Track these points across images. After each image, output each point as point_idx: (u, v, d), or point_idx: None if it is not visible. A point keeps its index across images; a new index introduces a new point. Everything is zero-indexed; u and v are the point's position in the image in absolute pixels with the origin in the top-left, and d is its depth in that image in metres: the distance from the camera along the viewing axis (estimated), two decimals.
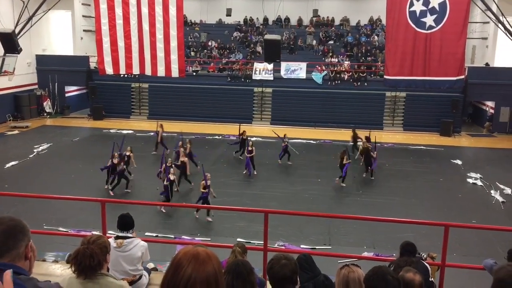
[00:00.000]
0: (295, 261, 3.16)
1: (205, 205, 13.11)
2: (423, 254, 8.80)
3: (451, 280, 7.24)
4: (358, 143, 20.18)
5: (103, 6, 13.88)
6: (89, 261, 3.03)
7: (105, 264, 3.20)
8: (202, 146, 22.44)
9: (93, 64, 27.42)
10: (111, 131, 25.23)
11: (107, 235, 5.85)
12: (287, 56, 29.86)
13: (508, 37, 22.26)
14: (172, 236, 12.26)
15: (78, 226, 12.40)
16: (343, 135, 23.31)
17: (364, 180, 17.68)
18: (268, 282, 3.26)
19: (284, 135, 19.55)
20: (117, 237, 5.01)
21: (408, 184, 17.30)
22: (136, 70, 14.57)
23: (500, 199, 15.75)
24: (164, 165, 15.04)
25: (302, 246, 11.98)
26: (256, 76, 28.33)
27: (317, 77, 27.87)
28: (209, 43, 32.99)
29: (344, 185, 16.70)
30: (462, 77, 14.92)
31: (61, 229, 12.14)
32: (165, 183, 14.15)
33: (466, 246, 11.73)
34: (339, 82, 27.78)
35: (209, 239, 12.23)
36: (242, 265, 3.12)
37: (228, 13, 31.06)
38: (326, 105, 27.06)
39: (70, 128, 26.19)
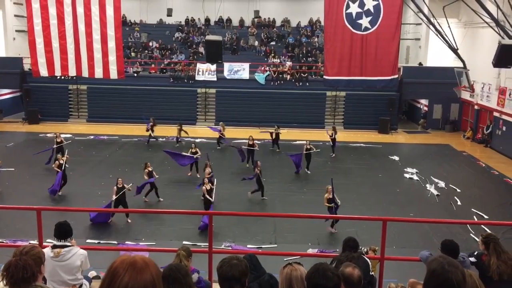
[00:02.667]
0: (246, 263, 3.16)
1: (123, 209, 12.84)
2: (363, 249, 9.12)
3: (391, 272, 7.53)
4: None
5: (36, 6, 13.24)
6: (22, 273, 2.89)
7: (40, 276, 3.07)
8: (145, 149, 22.03)
9: (27, 65, 26.10)
10: (48, 135, 24.20)
11: (46, 243, 5.60)
12: (230, 56, 29.90)
13: (439, 37, 23.49)
14: (115, 242, 11.95)
15: (15, 235, 11.80)
16: (285, 134, 23.65)
17: (307, 178, 18.02)
18: (213, 285, 3.25)
19: (308, 141, 19.42)
20: (54, 246, 4.80)
21: (349, 180, 17.80)
22: (72, 72, 14.03)
23: (435, 192, 16.56)
24: None
25: (248, 246, 12.04)
26: (199, 77, 28.15)
27: (260, 77, 28.11)
28: (150, 44, 32.41)
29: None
30: (396, 76, 15.56)
31: None
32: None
33: (405, 238, 12.24)
34: (281, 82, 28.16)
35: (154, 243, 12.03)
36: (176, 269, 3.10)
37: (169, 13, 30.62)
38: (269, 105, 27.34)
39: (3, 133, 24.83)
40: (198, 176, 17.60)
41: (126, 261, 1.77)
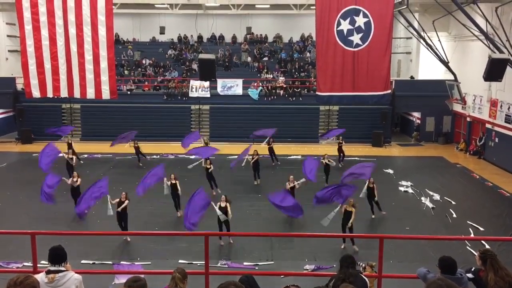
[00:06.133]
0: None
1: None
2: (361, 264, 9.09)
3: (388, 287, 7.49)
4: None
5: (28, 27, 13.28)
6: None
7: None
8: (139, 166, 21.96)
9: (20, 85, 26.11)
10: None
11: (40, 266, 5.54)
12: (223, 73, 30.04)
13: (429, 51, 23.75)
14: (110, 263, 11.82)
15: (8, 258, 11.67)
16: (280, 149, 23.64)
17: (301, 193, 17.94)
18: None
19: (325, 155, 19.56)
20: (48, 272, 4.74)
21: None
22: (64, 93, 14.03)
23: (430, 205, 16.57)
24: None
25: (245, 263, 11.97)
26: (192, 94, 28.24)
27: (253, 93, 28.24)
28: (143, 61, 32.52)
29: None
30: (388, 91, 15.66)
31: None
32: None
33: (402, 252, 12.20)
34: (274, 97, 28.29)
35: (150, 262, 11.92)
36: None
37: (162, 31, 30.81)
38: (263, 121, 27.33)
39: None
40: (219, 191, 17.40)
41: None
